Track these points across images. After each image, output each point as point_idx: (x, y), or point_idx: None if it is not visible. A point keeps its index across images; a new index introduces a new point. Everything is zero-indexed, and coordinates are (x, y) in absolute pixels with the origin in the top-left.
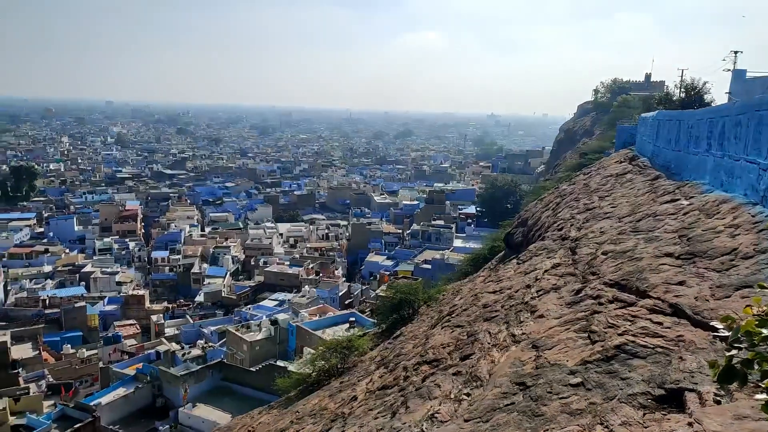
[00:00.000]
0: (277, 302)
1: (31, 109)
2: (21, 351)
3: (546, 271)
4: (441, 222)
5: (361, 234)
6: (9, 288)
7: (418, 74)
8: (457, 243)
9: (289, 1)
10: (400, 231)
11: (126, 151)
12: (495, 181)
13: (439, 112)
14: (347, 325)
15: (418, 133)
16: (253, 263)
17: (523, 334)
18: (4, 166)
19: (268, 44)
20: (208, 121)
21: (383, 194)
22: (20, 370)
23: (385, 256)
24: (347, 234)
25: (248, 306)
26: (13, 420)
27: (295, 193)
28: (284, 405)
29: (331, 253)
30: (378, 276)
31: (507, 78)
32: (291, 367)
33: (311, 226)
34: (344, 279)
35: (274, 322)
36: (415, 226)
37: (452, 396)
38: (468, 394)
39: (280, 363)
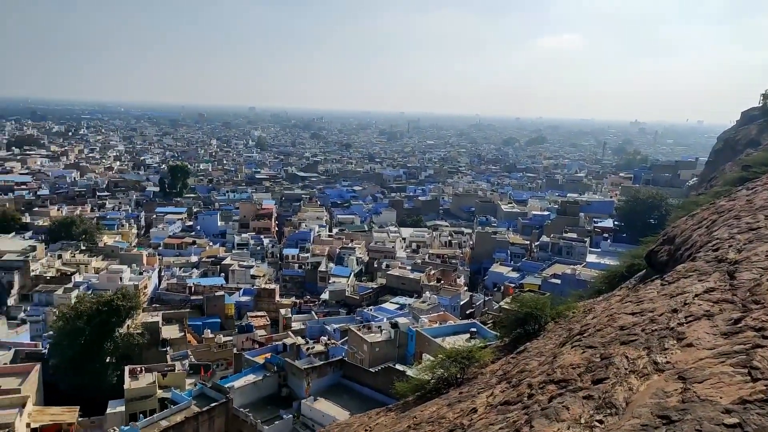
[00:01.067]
0: (397, 305)
1: (187, 114)
2: (170, 331)
3: (697, 295)
4: (573, 235)
5: (486, 243)
6: (163, 274)
7: (553, 78)
8: (591, 258)
9: (419, 8)
10: (528, 242)
11: (264, 153)
12: (637, 193)
13: (575, 119)
14: (468, 335)
15: (551, 140)
16: (376, 265)
17: (668, 362)
18: (164, 165)
19: (400, 51)
20: (340, 126)
21: (511, 203)
22: (168, 348)
23: (511, 268)
24: (471, 242)
25: (370, 307)
26: (160, 393)
27: (419, 198)
28: (402, 409)
29: (453, 261)
30: (502, 287)
31: (654, 82)
32: (409, 372)
33: (434, 232)
34: (466, 288)
35: (395, 326)
36: (544, 238)
37: (582, 421)
38: (600, 421)
39: (398, 366)
